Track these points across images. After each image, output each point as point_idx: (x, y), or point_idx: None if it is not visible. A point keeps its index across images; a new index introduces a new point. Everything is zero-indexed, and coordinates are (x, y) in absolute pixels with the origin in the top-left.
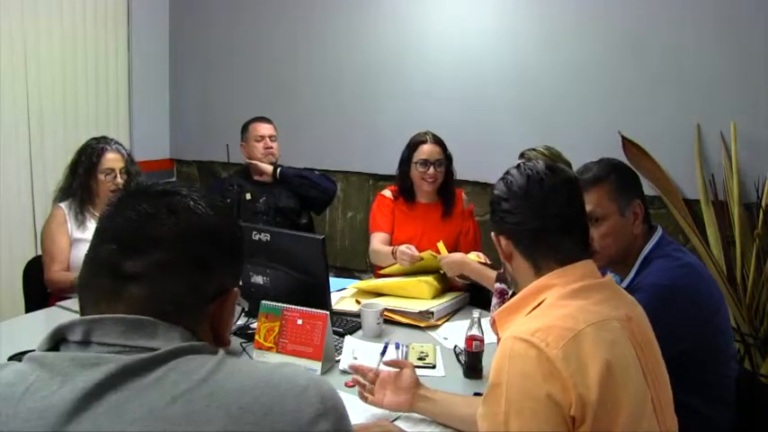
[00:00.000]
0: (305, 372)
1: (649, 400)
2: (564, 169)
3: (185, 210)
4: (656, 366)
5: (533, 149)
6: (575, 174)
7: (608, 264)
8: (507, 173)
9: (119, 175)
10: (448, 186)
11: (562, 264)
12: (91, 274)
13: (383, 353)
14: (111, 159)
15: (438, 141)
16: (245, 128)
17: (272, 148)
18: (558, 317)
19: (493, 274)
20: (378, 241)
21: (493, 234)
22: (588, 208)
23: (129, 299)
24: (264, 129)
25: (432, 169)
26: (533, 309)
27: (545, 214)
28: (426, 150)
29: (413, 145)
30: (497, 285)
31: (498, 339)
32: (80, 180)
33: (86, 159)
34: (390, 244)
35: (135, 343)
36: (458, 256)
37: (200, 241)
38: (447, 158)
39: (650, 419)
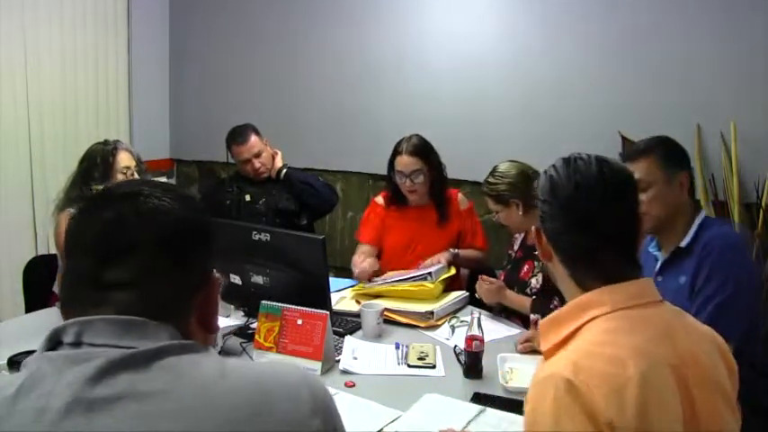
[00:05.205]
0: (296, 370)
1: None
2: (618, 170)
3: (151, 211)
4: (713, 415)
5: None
6: (629, 173)
7: (655, 227)
8: (553, 166)
9: (135, 174)
10: (436, 190)
11: (607, 282)
12: (73, 290)
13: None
14: (126, 158)
15: (416, 151)
16: (227, 144)
17: (261, 167)
18: (605, 358)
19: (528, 302)
20: (358, 253)
21: (533, 227)
22: (637, 176)
23: (117, 304)
24: (245, 151)
25: (408, 182)
26: (579, 327)
27: (591, 232)
28: (401, 162)
29: (393, 153)
30: (532, 316)
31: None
32: (98, 184)
33: (102, 162)
34: (376, 255)
35: (124, 343)
36: (495, 285)
37: (176, 239)
38: (431, 166)
39: None
